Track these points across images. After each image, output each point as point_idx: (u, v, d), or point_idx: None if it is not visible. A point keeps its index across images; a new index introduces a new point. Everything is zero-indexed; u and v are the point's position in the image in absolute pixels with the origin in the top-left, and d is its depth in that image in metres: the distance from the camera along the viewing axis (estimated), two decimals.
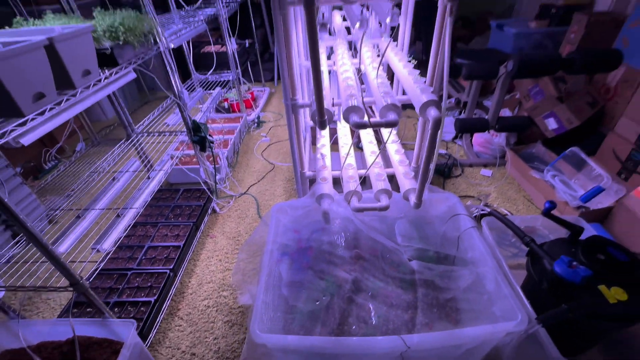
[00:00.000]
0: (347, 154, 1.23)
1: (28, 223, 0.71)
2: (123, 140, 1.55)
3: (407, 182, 1.14)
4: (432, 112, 0.87)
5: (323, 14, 1.57)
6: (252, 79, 3.35)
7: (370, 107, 1.32)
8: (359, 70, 1.29)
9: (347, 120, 0.91)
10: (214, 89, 2.39)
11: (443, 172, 1.91)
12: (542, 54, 1.72)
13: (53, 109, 0.79)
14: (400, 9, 1.33)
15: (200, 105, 2.24)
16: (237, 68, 2.35)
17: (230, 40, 2.17)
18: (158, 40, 1.28)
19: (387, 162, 1.36)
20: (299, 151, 1.26)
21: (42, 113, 0.76)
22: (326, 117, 0.93)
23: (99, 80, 0.96)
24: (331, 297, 0.86)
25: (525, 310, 0.84)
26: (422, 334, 0.74)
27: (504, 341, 0.84)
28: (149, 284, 1.28)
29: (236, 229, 1.67)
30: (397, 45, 1.46)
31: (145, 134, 1.61)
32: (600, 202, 1.44)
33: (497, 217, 1.19)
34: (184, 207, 1.68)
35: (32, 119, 0.74)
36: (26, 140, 0.77)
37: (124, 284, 1.29)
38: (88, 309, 1.20)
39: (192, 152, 1.92)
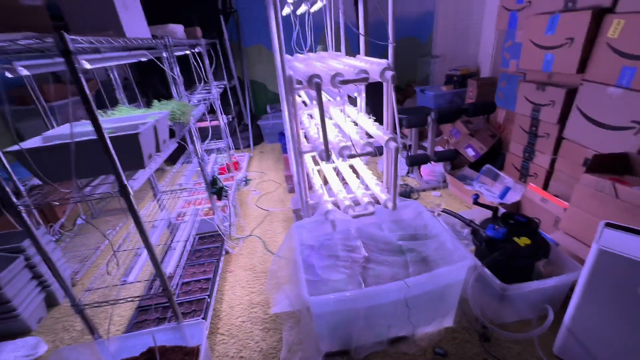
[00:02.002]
0: (339, 181, 1.72)
1: (149, 237, 1.04)
2: (152, 199, 1.88)
3: (383, 196, 1.64)
4: (392, 144, 1.42)
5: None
6: (233, 147, 3.86)
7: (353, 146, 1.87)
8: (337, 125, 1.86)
9: (341, 155, 1.41)
10: (208, 156, 2.83)
11: (403, 196, 2.46)
12: (451, 106, 2.49)
13: (154, 164, 1.18)
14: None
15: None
16: (227, 137, 2.85)
17: (222, 116, 2.71)
18: (190, 119, 1.74)
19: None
20: (304, 184, 1.72)
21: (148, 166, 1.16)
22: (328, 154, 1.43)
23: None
24: (351, 271, 1.25)
25: (472, 258, 1.31)
26: (414, 277, 1.16)
27: (466, 281, 1.28)
28: (193, 309, 1.52)
29: (250, 262, 1.98)
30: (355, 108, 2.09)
31: (169, 192, 1.96)
32: (512, 199, 2.06)
33: (448, 212, 1.72)
34: (203, 250, 1.97)
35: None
36: (136, 185, 1.14)
37: (170, 312, 1.51)
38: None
39: (207, 206, 2.26)
